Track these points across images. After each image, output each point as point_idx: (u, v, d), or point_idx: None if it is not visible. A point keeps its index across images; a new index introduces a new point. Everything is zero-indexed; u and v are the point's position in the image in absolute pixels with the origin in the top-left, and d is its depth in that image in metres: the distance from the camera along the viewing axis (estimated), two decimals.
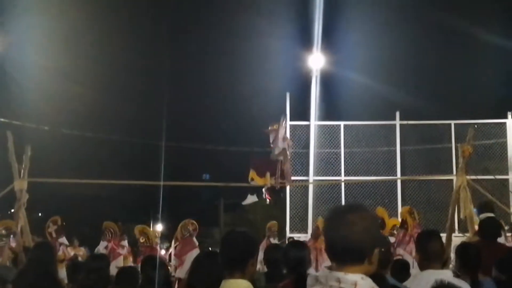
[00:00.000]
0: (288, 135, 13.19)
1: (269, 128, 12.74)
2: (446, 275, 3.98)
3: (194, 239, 13.08)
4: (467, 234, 11.90)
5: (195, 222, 13.90)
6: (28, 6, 20.71)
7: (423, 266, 4.17)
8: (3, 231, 10.78)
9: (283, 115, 13.37)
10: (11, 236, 11.40)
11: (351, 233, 2.38)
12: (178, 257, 12.54)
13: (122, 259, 13.35)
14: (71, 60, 27.81)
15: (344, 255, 2.39)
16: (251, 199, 12.63)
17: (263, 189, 12.64)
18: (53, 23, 24.37)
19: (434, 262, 4.10)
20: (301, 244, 5.19)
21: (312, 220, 15.98)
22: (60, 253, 11.91)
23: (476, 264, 4.80)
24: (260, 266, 5.29)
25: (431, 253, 4.14)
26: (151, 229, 16.16)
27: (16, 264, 8.90)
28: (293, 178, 16.65)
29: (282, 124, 12.94)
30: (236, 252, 3.34)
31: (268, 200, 13.22)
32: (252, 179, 12.34)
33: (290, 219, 16.44)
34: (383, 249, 4.02)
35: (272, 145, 12.54)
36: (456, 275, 4.76)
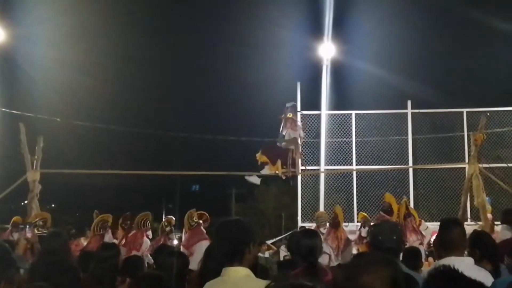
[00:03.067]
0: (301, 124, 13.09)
1: (283, 115, 12.68)
2: (467, 262, 3.96)
3: (202, 228, 13.04)
4: (480, 223, 11.88)
5: (205, 213, 13.81)
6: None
7: (445, 254, 4.14)
8: (40, 222, 10.90)
9: (293, 105, 13.22)
10: (27, 226, 11.52)
11: None
12: (186, 248, 12.53)
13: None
14: (82, 52, 27.91)
15: None
16: (255, 179, 12.54)
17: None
18: (65, 16, 24.44)
19: (456, 250, 4.07)
20: (312, 233, 5.19)
21: (323, 209, 15.98)
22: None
23: (495, 251, 4.77)
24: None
25: (453, 241, 4.10)
26: (163, 219, 16.18)
27: (32, 254, 9.01)
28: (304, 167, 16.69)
29: (295, 114, 12.89)
30: (231, 242, 3.34)
31: (283, 177, 13.07)
32: (262, 163, 12.31)
33: (301, 208, 16.46)
34: (395, 237, 4.04)
35: (283, 131, 12.48)
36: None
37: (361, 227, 13.10)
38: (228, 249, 3.35)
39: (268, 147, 12.58)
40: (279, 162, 12.14)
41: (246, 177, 12.66)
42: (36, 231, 10.38)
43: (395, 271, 2.33)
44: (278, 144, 12.53)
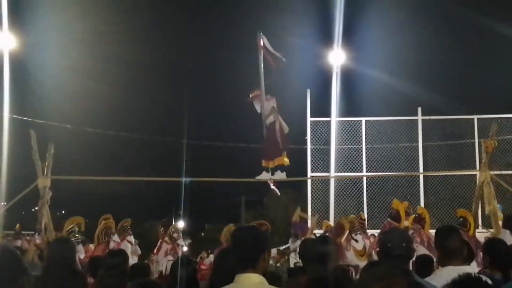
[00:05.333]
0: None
1: (251, 95, 12.45)
2: (467, 271, 3.93)
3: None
4: (491, 230, 11.79)
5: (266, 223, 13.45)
6: (50, 6, 20.90)
7: (443, 263, 4.11)
8: (76, 228, 10.92)
9: (258, 32, 12.06)
10: (36, 233, 11.54)
11: None
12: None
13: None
14: (93, 59, 28.02)
15: None
16: (265, 175, 12.37)
17: (269, 182, 12.34)
18: (75, 23, 24.57)
19: (454, 259, 4.03)
20: (324, 240, 5.15)
21: (333, 216, 15.94)
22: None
23: (506, 259, 4.72)
24: None
25: (451, 249, 4.07)
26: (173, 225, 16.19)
27: (42, 260, 9.04)
28: (314, 174, 16.63)
29: (260, 43, 11.98)
30: (246, 249, 3.32)
31: (277, 191, 12.91)
32: (271, 166, 12.19)
33: (311, 215, 16.40)
34: (404, 244, 4.00)
35: (260, 111, 12.27)
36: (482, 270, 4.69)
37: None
38: (243, 255, 3.33)
39: (264, 149, 12.45)
40: (284, 153, 12.03)
41: (257, 178, 12.55)
42: (73, 237, 10.37)
43: (407, 281, 2.33)
44: (264, 121, 12.23)
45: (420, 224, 10.92)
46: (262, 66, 11.93)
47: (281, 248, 16.96)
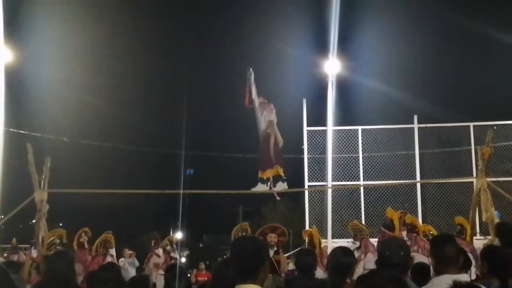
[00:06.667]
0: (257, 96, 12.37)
1: (255, 100, 12.42)
2: (463, 279, 3.94)
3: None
4: (489, 237, 11.79)
5: (281, 227, 12.78)
6: (46, 19, 20.95)
7: (439, 271, 4.11)
8: (57, 240, 10.88)
9: (248, 72, 12.40)
10: (33, 246, 11.50)
11: None
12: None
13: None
14: (89, 72, 28.06)
15: None
16: (260, 187, 12.38)
17: (270, 184, 12.33)
18: (72, 37, 24.63)
19: (450, 267, 4.04)
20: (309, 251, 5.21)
21: (331, 226, 15.93)
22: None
23: (504, 268, 4.71)
24: None
25: (446, 257, 4.07)
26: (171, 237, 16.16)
27: (38, 274, 8.99)
28: (311, 183, 16.64)
29: (251, 83, 12.28)
30: (246, 260, 3.27)
31: (277, 197, 12.92)
32: (266, 176, 12.22)
33: (309, 225, 16.39)
34: (402, 253, 4.01)
35: (258, 115, 12.31)
36: (477, 278, 4.69)
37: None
38: (243, 266, 3.28)
39: (262, 160, 12.51)
40: (276, 166, 12.08)
41: (253, 189, 12.56)
42: (54, 249, 10.34)
43: None
44: (259, 135, 12.34)
45: (414, 232, 10.86)
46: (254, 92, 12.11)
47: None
